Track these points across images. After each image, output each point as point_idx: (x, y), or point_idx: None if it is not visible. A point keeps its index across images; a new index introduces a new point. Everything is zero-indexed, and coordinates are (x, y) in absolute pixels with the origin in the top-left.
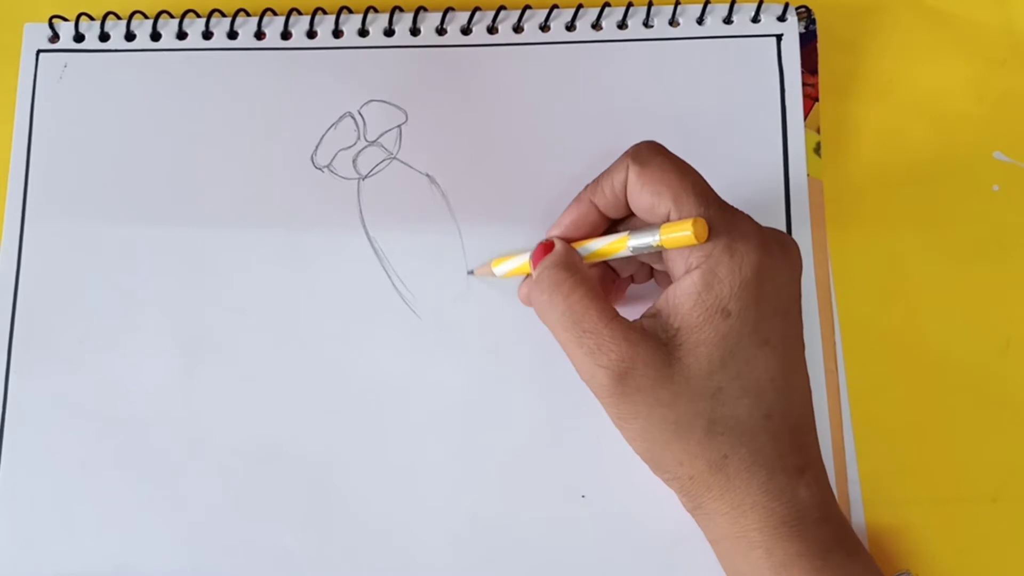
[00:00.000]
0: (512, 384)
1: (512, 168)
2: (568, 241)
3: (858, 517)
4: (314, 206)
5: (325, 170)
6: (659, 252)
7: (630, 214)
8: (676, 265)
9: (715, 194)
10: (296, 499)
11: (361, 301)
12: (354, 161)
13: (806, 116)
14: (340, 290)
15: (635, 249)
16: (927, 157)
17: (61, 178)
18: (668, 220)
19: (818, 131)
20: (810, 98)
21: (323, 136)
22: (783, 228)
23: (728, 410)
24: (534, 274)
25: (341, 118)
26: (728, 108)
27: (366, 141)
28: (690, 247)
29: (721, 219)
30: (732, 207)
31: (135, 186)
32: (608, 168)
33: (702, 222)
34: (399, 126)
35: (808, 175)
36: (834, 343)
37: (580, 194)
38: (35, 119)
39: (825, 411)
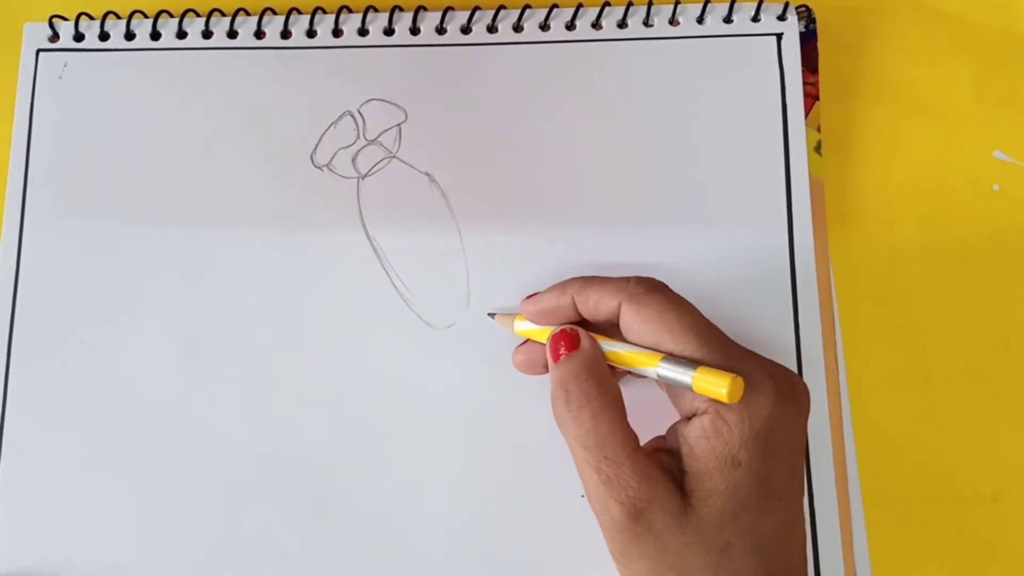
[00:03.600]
0: (512, 383)
1: (512, 167)
2: (549, 324)
3: (858, 517)
4: (313, 205)
5: (325, 169)
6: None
7: (607, 327)
8: (683, 399)
9: (719, 333)
10: (296, 498)
11: (360, 299)
12: (354, 160)
13: (807, 115)
14: (339, 289)
15: (663, 378)
16: (927, 157)
17: (61, 178)
18: (671, 355)
19: (819, 130)
20: (811, 97)
21: (323, 135)
22: (784, 227)
23: (735, 567)
24: (555, 372)
25: (341, 117)
26: (728, 107)
27: (366, 140)
28: None
29: (726, 363)
30: (738, 347)
31: (135, 185)
32: (599, 282)
33: (740, 383)
34: (399, 125)
35: (809, 174)
36: (834, 343)
37: (566, 285)
38: (35, 119)
39: (825, 411)
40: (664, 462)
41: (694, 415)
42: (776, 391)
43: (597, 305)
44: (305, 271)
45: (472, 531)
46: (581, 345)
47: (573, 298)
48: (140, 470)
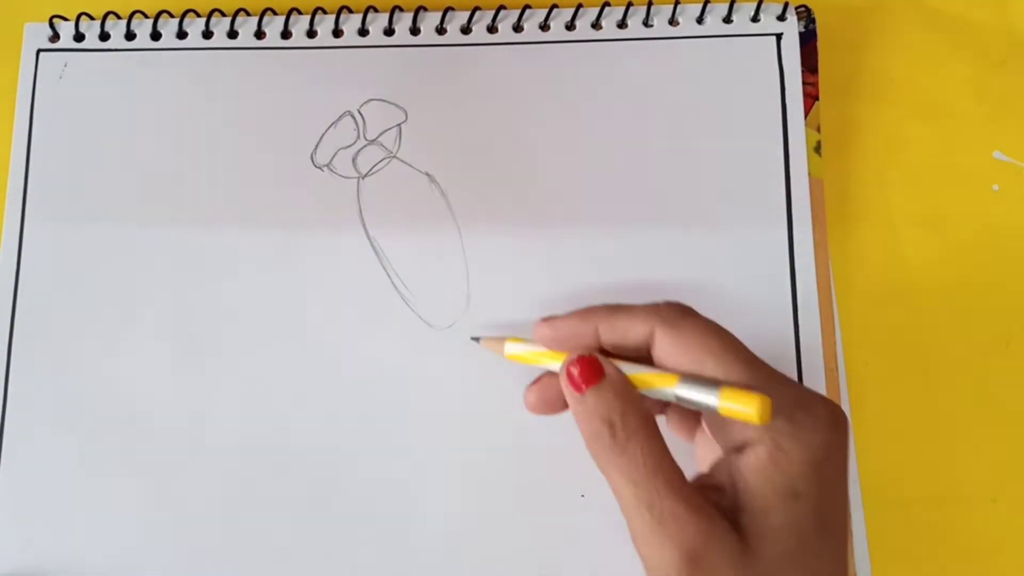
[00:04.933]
0: (512, 383)
1: (511, 167)
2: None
3: (858, 517)
4: (314, 205)
5: (325, 169)
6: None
7: (630, 355)
8: (727, 430)
9: (759, 360)
10: (295, 498)
11: (360, 299)
12: (354, 160)
13: (806, 115)
14: (339, 288)
15: (681, 399)
16: (927, 157)
17: (61, 178)
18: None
19: (818, 130)
20: (810, 97)
21: (323, 135)
22: (784, 227)
23: None
24: (586, 404)
25: (341, 117)
26: (728, 107)
27: (366, 140)
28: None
29: (772, 388)
30: (779, 374)
31: (135, 185)
32: (627, 309)
33: (768, 401)
34: (399, 125)
35: (809, 174)
36: (834, 343)
37: (588, 313)
38: (35, 119)
39: None
40: (715, 498)
41: (745, 445)
42: (833, 416)
43: (626, 333)
44: (305, 271)
45: (471, 530)
46: (607, 373)
47: (597, 327)
48: (140, 470)
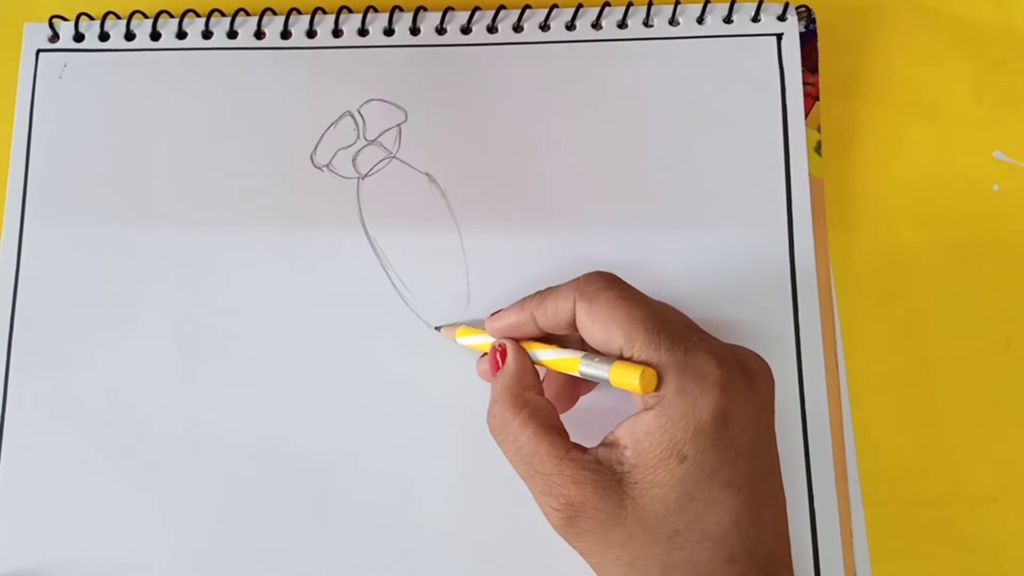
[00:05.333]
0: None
1: (511, 167)
2: (518, 340)
3: (858, 517)
4: (313, 205)
5: (325, 169)
6: None
7: (570, 332)
8: (635, 396)
9: (670, 327)
10: (295, 498)
11: (360, 300)
12: (354, 160)
13: (807, 115)
14: (339, 289)
15: (585, 375)
16: (927, 157)
17: (61, 178)
18: (621, 355)
19: (819, 130)
20: (811, 97)
21: (323, 135)
22: (784, 228)
23: (686, 554)
24: (492, 389)
25: (341, 117)
26: (728, 107)
27: (366, 140)
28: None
29: (673, 358)
30: (691, 338)
31: (135, 185)
32: (555, 290)
33: (651, 373)
34: (399, 125)
35: (809, 174)
36: (834, 343)
37: (524, 302)
38: (35, 119)
39: (825, 411)
40: (601, 456)
41: (644, 410)
42: (724, 379)
43: (556, 313)
44: (305, 271)
45: (472, 531)
46: (506, 362)
47: (532, 313)
48: (140, 470)
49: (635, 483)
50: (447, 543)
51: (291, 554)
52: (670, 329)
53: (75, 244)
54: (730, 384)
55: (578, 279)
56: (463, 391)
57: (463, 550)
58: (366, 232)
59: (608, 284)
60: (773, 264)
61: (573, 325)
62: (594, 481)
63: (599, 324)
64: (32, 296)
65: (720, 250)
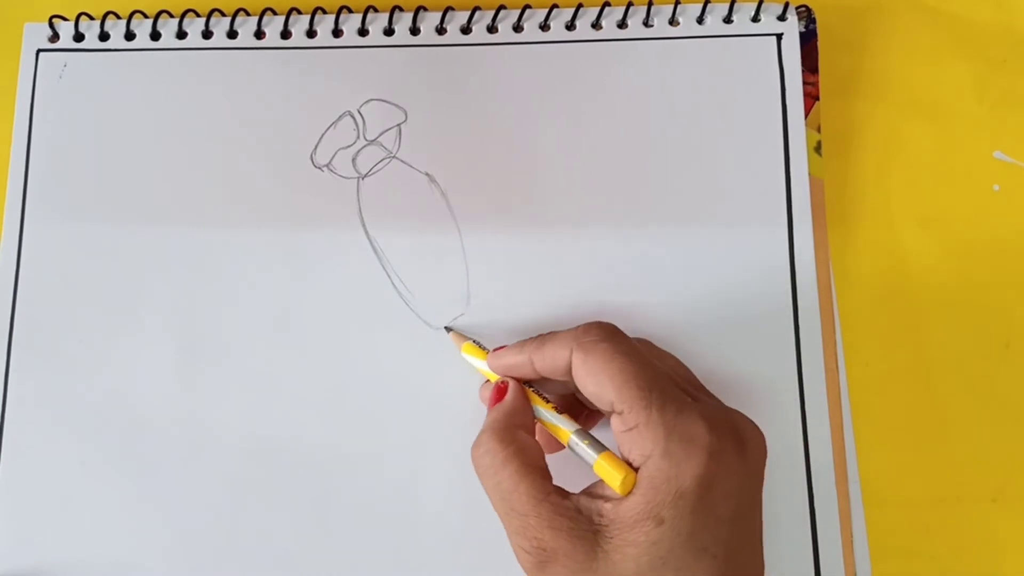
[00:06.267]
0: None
1: (511, 167)
2: (518, 380)
3: (858, 517)
4: (313, 205)
5: (324, 169)
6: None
7: (567, 380)
8: (623, 450)
9: (663, 386)
10: (295, 499)
11: (360, 300)
12: (354, 160)
13: (807, 115)
14: (339, 289)
15: (572, 451)
16: (927, 157)
17: (61, 178)
18: (612, 410)
19: (819, 130)
20: (811, 97)
21: (323, 135)
22: (784, 228)
23: None
24: (484, 421)
25: (341, 117)
26: (728, 107)
27: (366, 140)
28: (634, 441)
29: (662, 419)
30: (684, 400)
31: (135, 185)
32: (554, 336)
33: (631, 479)
34: (399, 125)
35: (809, 174)
36: (834, 343)
37: (524, 344)
38: (35, 119)
39: (825, 411)
40: (582, 505)
41: (631, 466)
42: (713, 446)
43: (554, 360)
44: (305, 271)
45: (471, 530)
46: (504, 399)
47: (530, 356)
48: (140, 470)
49: (610, 538)
50: (447, 543)
51: (291, 554)
52: (663, 388)
53: (75, 244)
54: (718, 451)
55: (577, 328)
56: (463, 391)
57: (463, 550)
58: (366, 232)
59: (605, 336)
60: (773, 264)
61: (569, 373)
62: (570, 529)
63: (592, 377)
64: (32, 296)
65: (720, 250)
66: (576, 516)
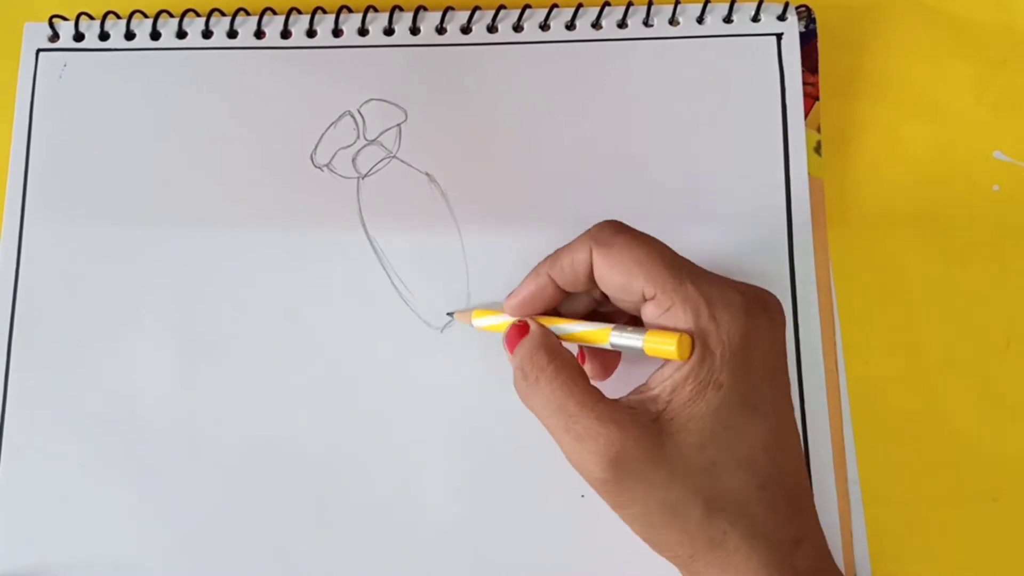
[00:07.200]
0: (511, 382)
1: (511, 167)
2: (532, 314)
3: (858, 517)
4: (313, 205)
5: (324, 169)
6: (641, 322)
7: (589, 288)
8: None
9: (687, 262)
10: (296, 499)
11: (360, 299)
12: (354, 160)
13: (806, 115)
14: (339, 289)
15: (616, 346)
16: (927, 157)
17: (61, 177)
18: (643, 298)
19: (818, 130)
20: (810, 97)
21: (322, 135)
22: (784, 228)
23: (724, 485)
24: (512, 359)
25: (341, 117)
26: (728, 107)
27: (366, 140)
28: (674, 321)
29: (699, 290)
30: (708, 274)
31: (135, 185)
32: (567, 246)
33: (687, 339)
34: (399, 125)
35: (809, 174)
36: (834, 343)
37: (537, 267)
38: (35, 119)
39: (825, 411)
40: (633, 403)
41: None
42: (747, 307)
43: (573, 267)
44: (305, 271)
45: (472, 530)
46: (530, 330)
47: (548, 274)
48: (140, 470)
49: (671, 419)
50: (447, 543)
51: (291, 554)
52: (688, 265)
53: (75, 244)
54: (753, 312)
55: (589, 230)
56: (463, 391)
57: (463, 550)
58: (366, 232)
59: (621, 228)
60: (773, 264)
61: (591, 277)
62: (632, 420)
63: (617, 268)
64: (32, 296)
65: (720, 250)
66: (633, 410)
